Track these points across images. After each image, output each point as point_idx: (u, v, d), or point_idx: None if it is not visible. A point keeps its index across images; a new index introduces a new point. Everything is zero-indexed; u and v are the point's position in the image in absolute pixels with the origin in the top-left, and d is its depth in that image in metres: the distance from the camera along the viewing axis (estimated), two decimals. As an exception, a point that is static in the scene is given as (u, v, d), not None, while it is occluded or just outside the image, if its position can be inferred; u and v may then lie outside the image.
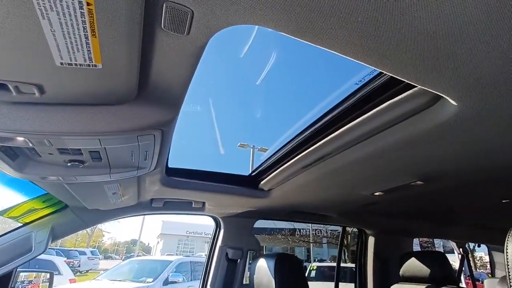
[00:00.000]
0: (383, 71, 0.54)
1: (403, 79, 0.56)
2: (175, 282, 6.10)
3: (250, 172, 1.51)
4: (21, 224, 1.25)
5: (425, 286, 1.57)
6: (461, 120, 0.67)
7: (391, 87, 0.70)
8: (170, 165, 1.28)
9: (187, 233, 26.24)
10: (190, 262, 7.45)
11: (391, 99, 0.71)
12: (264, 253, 1.78)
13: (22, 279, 1.44)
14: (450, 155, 0.88)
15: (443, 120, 0.67)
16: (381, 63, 0.51)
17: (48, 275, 1.65)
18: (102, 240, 29.45)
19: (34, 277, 1.55)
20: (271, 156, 1.33)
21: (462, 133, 0.73)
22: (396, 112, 0.72)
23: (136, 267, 6.56)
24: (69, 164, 0.73)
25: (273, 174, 1.33)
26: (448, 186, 1.20)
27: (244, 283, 1.73)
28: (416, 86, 0.63)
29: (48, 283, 1.63)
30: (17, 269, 1.34)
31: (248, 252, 1.80)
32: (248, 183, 1.48)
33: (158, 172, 1.08)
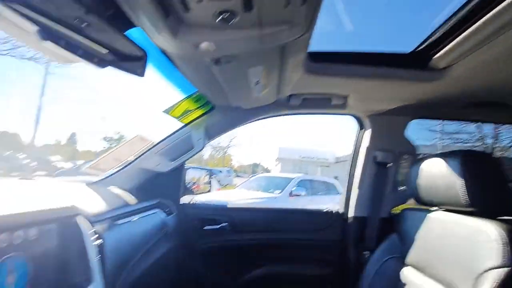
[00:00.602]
0: None
1: None
2: (298, 195, 6.72)
3: (415, 47, 1.11)
4: (183, 125, 1.40)
5: None
6: None
7: None
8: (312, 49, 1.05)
9: (301, 157, 28.03)
10: (310, 180, 7.92)
11: None
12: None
13: (188, 181, 1.67)
14: None
15: None
16: None
17: (207, 177, 1.88)
18: (232, 163, 35.71)
19: (197, 179, 1.77)
20: (448, 19, 0.88)
21: None
22: None
23: (264, 181, 7.54)
24: (218, 20, 0.61)
25: (452, 44, 0.89)
26: None
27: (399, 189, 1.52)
28: None
29: (209, 185, 1.86)
30: (185, 165, 1.58)
31: (400, 155, 1.52)
32: (411, 63, 1.10)
33: (302, 47, 0.88)
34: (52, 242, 0.60)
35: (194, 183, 1.80)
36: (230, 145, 29.72)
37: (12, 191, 0.74)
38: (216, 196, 5.61)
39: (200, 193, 1.82)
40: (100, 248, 0.71)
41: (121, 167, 1.35)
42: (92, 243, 0.68)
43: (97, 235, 0.73)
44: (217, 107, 1.38)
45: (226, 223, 1.52)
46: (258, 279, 1.53)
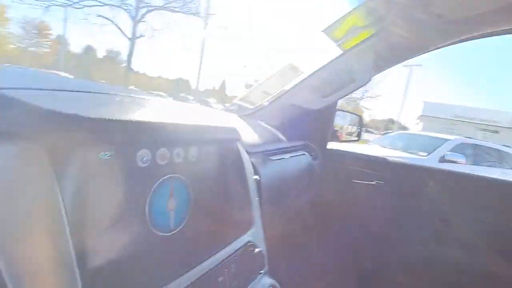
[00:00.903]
0: None
1: None
2: (454, 162, 5.28)
3: None
4: (341, 53, 1.10)
5: None
6: None
7: None
8: None
9: (454, 116, 22.02)
10: (473, 144, 6.12)
11: None
12: None
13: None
14: None
15: None
16: None
17: (354, 128, 1.60)
18: (363, 116, 32.74)
19: (340, 127, 1.51)
20: None
21: None
22: None
23: (404, 139, 6.39)
24: None
25: None
26: None
27: None
28: None
29: (357, 135, 1.56)
30: (337, 105, 1.33)
31: None
32: None
33: None
34: (212, 167, 0.51)
35: (337, 130, 1.56)
36: (364, 97, 26.70)
37: (176, 109, 0.69)
38: (353, 148, 5.20)
39: (345, 141, 1.58)
40: (258, 184, 0.60)
41: (269, 101, 1.25)
42: (251, 177, 0.57)
43: (253, 169, 0.62)
44: (396, 23, 0.98)
45: (382, 182, 1.22)
46: (416, 259, 1.20)
